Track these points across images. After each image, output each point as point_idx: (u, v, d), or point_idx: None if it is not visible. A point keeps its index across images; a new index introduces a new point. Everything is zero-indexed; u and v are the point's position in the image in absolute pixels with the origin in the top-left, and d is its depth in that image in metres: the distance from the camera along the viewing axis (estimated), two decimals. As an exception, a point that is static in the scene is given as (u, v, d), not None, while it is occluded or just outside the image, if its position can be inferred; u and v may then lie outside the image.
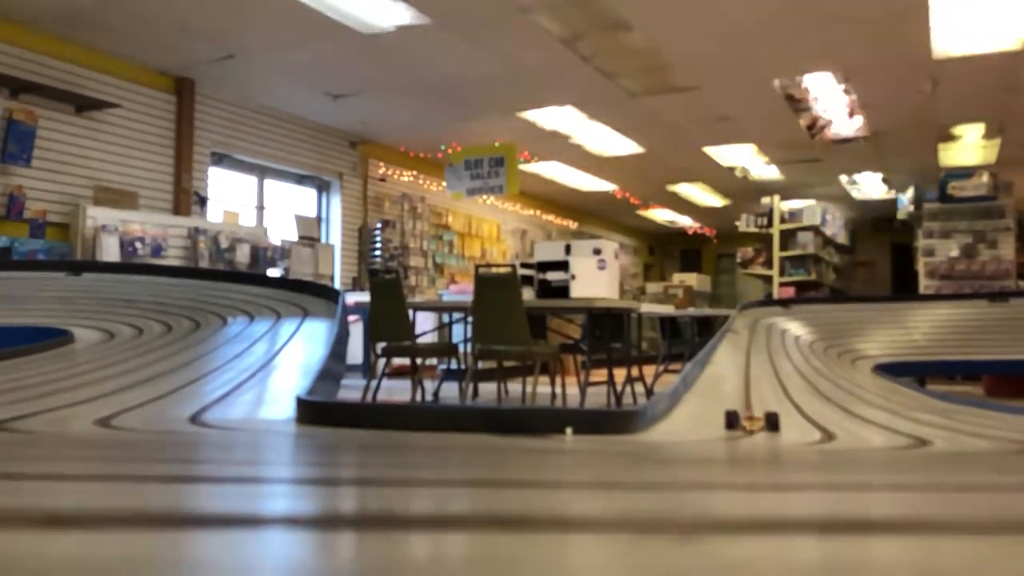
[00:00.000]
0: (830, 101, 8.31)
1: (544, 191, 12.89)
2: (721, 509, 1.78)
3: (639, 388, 5.53)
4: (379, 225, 10.14)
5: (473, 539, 1.35)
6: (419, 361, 5.56)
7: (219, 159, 8.28)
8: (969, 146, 10.08)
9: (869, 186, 12.77)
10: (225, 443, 2.60)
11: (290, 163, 9.06)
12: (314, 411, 3.14)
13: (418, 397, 5.39)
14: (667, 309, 8.76)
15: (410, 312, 5.34)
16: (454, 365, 5.51)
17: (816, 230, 12.19)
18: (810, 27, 6.37)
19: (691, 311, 8.94)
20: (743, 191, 12.59)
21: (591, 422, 3.29)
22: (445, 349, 5.63)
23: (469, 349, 4.94)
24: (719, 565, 1.19)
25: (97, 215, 6.68)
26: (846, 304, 7.85)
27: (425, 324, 6.46)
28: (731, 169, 11.46)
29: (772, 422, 3.29)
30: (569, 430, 3.12)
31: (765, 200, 12.12)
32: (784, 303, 7.47)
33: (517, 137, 8.94)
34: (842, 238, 14.06)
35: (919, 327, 6.28)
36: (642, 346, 6.95)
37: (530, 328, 4.65)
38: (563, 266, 10.50)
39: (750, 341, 5.51)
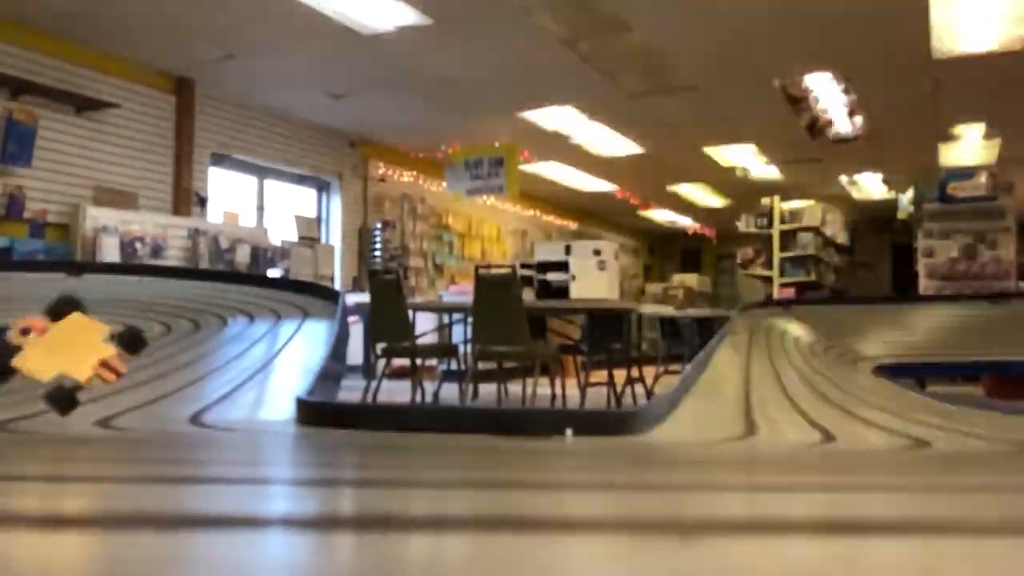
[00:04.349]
0: (830, 101, 8.31)
1: (544, 192, 12.88)
2: (721, 510, 1.78)
3: (639, 389, 5.52)
4: (379, 225, 10.14)
5: (472, 540, 1.35)
6: (419, 362, 5.56)
7: (219, 159, 8.28)
8: (969, 146, 10.08)
9: (869, 186, 12.77)
10: (225, 444, 2.60)
11: (290, 163, 9.06)
12: (314, 412, 3.14)
13: (418, 398, 5.38)
14: (667, 310, 8.75)
15: (410, 313, 5.34)
16: (454, 366, 5.51)
17: (816, 231, 12.18)
18: (810, 26, 6.37)
19: (691, 312, 8.93)
20: (743, 191, 12.59)
21: (591, 423, 3.29)
22: (445, 350, 5.63)
23: (469, 350, 4.94)
24: (719, 567, 1.19)
25: (97, 215, 6.68)
26: (846, 305, 7.85)
27: (425, 325, 6.45)
28: (731, 169, 11.46)
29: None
30: (569, 431, 3.13)
31: (765, 200, 12.11)
32: (784, 304, 7.47)
33: (517, 137, 8.94)
34: (842, 239, 14.04)
35: (919, 328, 6.28)
36: (642, 347, 6.95)
37: (530, 329, 4.65)
38: (563, 267, 10.51)
39: (750, 342, 5.51)
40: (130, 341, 2.47)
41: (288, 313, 5.06)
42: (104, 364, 2.34)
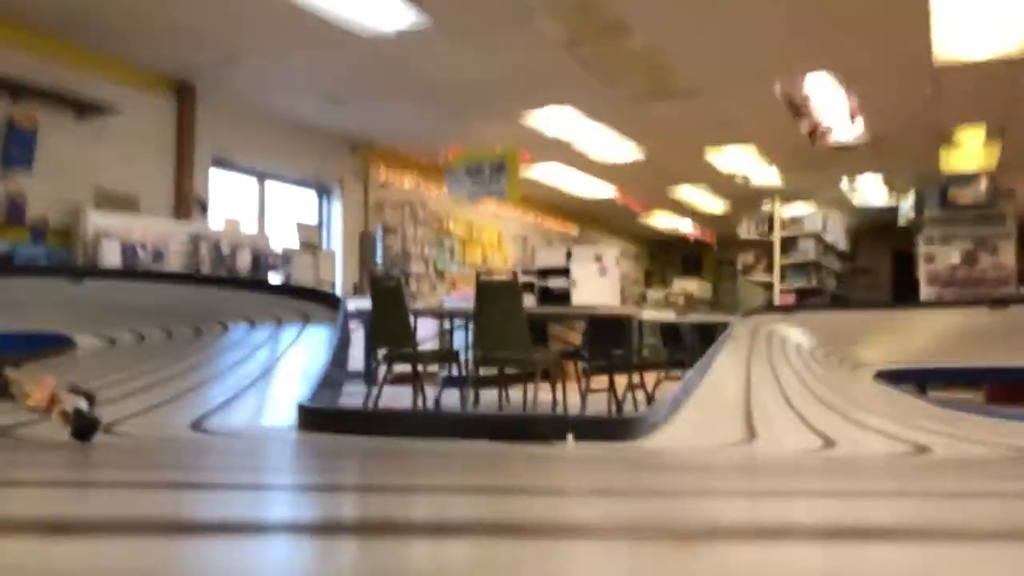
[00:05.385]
0: (831, 106, 8.32)
1: (545, 198, 12.90)
2: (722, 516, 1.78)
3: (640, 395, 5.52)
4: (380, 230, 10.14)
5: (474, 545, 1.36)
6: (420, 368, 5.55)
7: (220, 164, 8.29)
8: (970, 151, 10.08)
9: (870, 192, 12.77)
10: (226, 450, 2.60)
11: (291, 168, 9.07)
12: (316, 418, 3.15)
13: (419, 404, 5.38)
14: (668, 316, 8.76)
15: (411, 318, 5.33)
16: (455, 372, 5.50)
17: (817, 237, 12.19)
18: (812, 31, 6.39)
19: (692, 318, 8.93)
20: (744, 197, 12.59)
21: (592, 429, 3.29)
22: (446, 356, 5.62)
23: (470, 356, 4.94)
24: (720, 573, 1.20)
25: (98, 220, 6.68)
26: (847, 311, 7.84)
27: (426, 330, 6.45)
28: (732, 177, 11.46)
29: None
30: (570, 437, 3.13)
31: (766, 207, 12.12)
32: (785, 310, 7.47)
33: (519, 142, 8.94)
34: (843, 245, 14.05)
35: (920, 334, 6.28)
36: (643, 353, 6.94)
37: (531, 334, 4.65)
38: (564, 272, 10.52)
39: (751, 348, 5.51)
40: (82, 430, 2.54)
41: (289, 319, 5.07)
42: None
